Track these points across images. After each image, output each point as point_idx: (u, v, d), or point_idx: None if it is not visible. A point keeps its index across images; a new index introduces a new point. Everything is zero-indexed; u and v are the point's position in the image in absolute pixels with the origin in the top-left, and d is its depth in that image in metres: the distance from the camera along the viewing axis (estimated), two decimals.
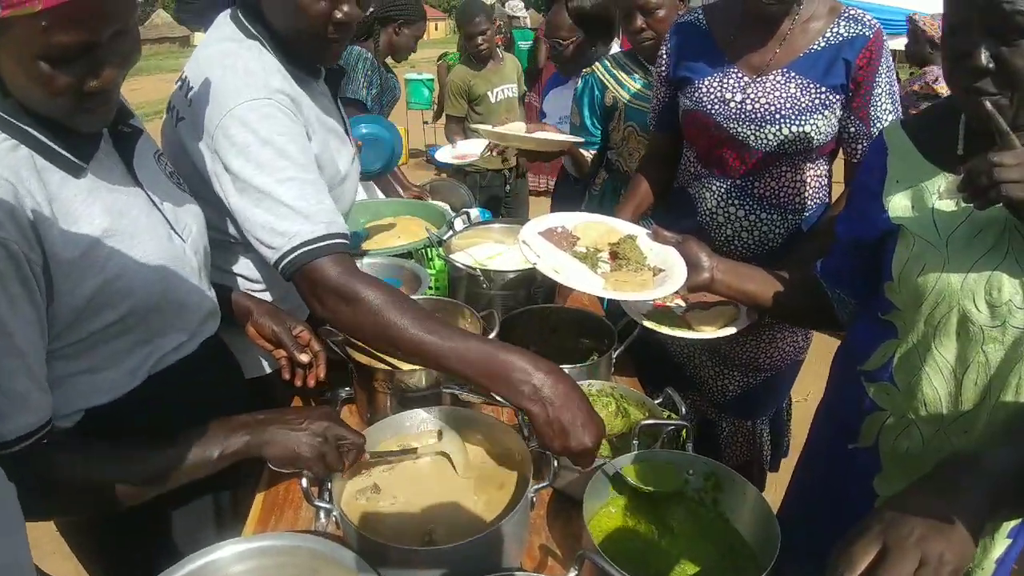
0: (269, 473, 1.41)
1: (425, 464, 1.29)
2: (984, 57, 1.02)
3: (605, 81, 2.35)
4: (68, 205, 1.01)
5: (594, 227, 1.54)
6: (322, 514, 1.13)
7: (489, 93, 4.24)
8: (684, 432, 1.32)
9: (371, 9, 3.31)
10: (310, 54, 1.39)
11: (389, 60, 3.54)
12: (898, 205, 1.22)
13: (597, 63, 2.39)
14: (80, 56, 0.92)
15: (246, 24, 1.35)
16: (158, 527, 1.23)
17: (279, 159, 1.24)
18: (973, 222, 1.13)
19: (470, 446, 1.30)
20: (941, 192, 1.13)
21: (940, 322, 1.16)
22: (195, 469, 1.08)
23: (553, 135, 2.34)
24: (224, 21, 1.38)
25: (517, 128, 2.47)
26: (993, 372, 1.14)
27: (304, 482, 1.11)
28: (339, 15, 1.30)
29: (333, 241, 1.22)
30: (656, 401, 1.45)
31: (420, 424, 1.31)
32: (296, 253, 1.20)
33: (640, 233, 1.52)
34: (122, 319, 1.08)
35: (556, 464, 1.16)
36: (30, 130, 0.98)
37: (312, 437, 1.12)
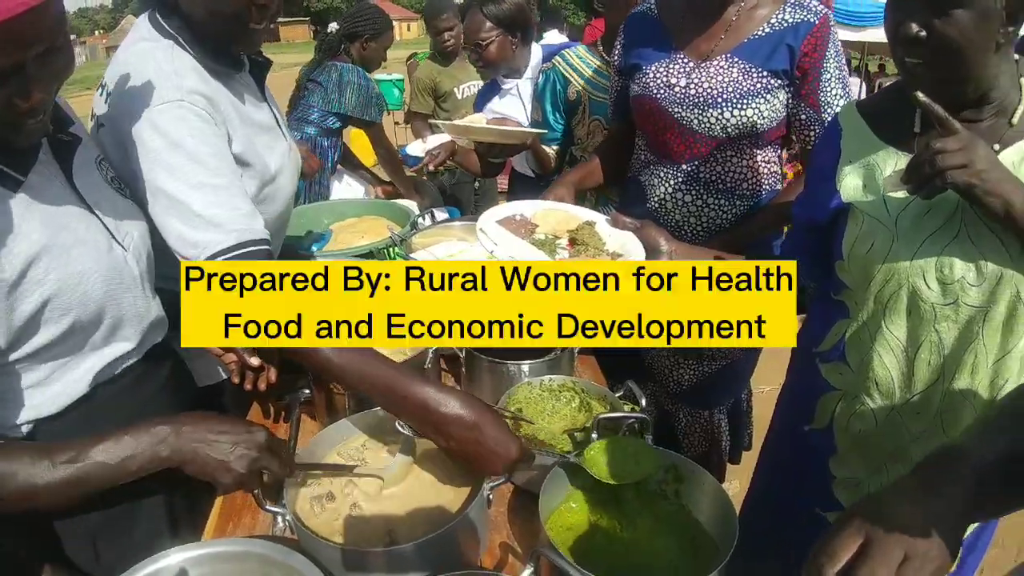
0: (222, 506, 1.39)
1: (373, 463, 1.27)
2: (914, 28, 1.05)
3: (568, 75, 2.34)
4: (6, 224, 0.99)
5: (553, 214, 1.54)
6: (279, 519, 1.11)
7: (456, 90, 4.22)
8: (643, 424, 1.32)
9: (336, 26, 3.32)
10: (231, 41, 1.35)
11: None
12: (849, 185, 1.23)
13: (558, 58, 2.39)
14: (6, 78, 0.90)
15: (162, 23, 1.32)
16: (113, 535, 1.20)
17: (190, 164, 1.21)
18: (921, 203, 1.15)
19: (428, 445, 1.29)
20: (886, 184, 1.14)
21: (890, 300, 1.18)
22: (103, 479, 1.00)
23: (514, 128, 2.32)
24: (141, 22, 1.35)
25: (478, 120, 2.46)
26: (947, 352, 1.16)
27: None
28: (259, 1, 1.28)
29: (246, 250, 1.21)
30: (617, 394, 1.45)
31: (377, 423, 1.30)
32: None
33: (599, 219, 1.52)
34: (64, 334, 1.06)
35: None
36: None
37: (235, 464, 1.05)
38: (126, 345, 1.19)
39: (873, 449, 1.27)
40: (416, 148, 3.08)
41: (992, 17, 1.03)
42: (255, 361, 1.31)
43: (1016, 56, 1.16)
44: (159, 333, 1.29)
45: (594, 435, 1.29)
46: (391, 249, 2.23)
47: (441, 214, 2.77)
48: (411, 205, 2.83)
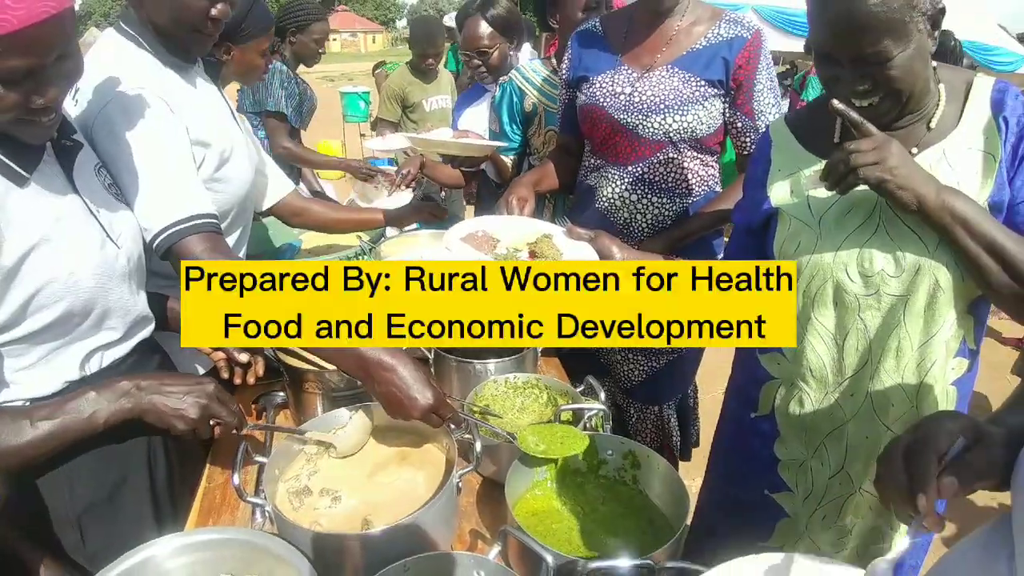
0: (208, 475, 1.44)
1: (357, 461, 1.34)
2: (861, 87, 1.14)
3: (524, 88, 2.43)
4: (10, 214, 1.08)
5: (513, 228, 1.62)
6: (258, 513, 1.17)
7: (424, 102, 4.28)
8: (603, 415, 1.41)
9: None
10: (187, 45, 1.52)
11: (303, 68, 3.58)
12: (778, 191, 1.33)
13: (515, 71, 2.48)
14: (26, 77, 1.00)
15: (125, 28, 1.48)
16: (97, 522, 1.25)
17: (148, 146, 1.36)
18: (845, 202, 1.25)
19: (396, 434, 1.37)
20: (805, 182, 1.24)
21: (817, 293, 1.28)
22: (78, 431, 1.11)
23: (474, 140, 2.41)
24: (108, 32, 1.51)
25: (443, 134, 2.54)
26: (872, 337, 1.26)
27: (236, 479, 1.15)
28: (214, 12, 1.46)
29: (199, 221, 1.36)
30: (578, 389, 1.54)
31: (350, 419, 1.36)
32: (165, 234, 1.33)
33: (556, 232, 1.60)
34: (56, 320, 1.14)
35: (478, 450, 1.23)
36: None
37: (188, 411, 1.16)
38: (112, 335, 1.26)
39: (812, 431, 1.37)
40: (376, 143, 3.12)
41: (922, 41, 1.12)
42: (244, 357, 1.38)
43: (934, 63, 1.27)
44: (145, 328, 1.36)
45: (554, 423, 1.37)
46: (359, 257, 2.30)
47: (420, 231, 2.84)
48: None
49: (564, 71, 2.03)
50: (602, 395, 1.47)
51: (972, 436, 0.85)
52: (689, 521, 1.19)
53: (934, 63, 1.25)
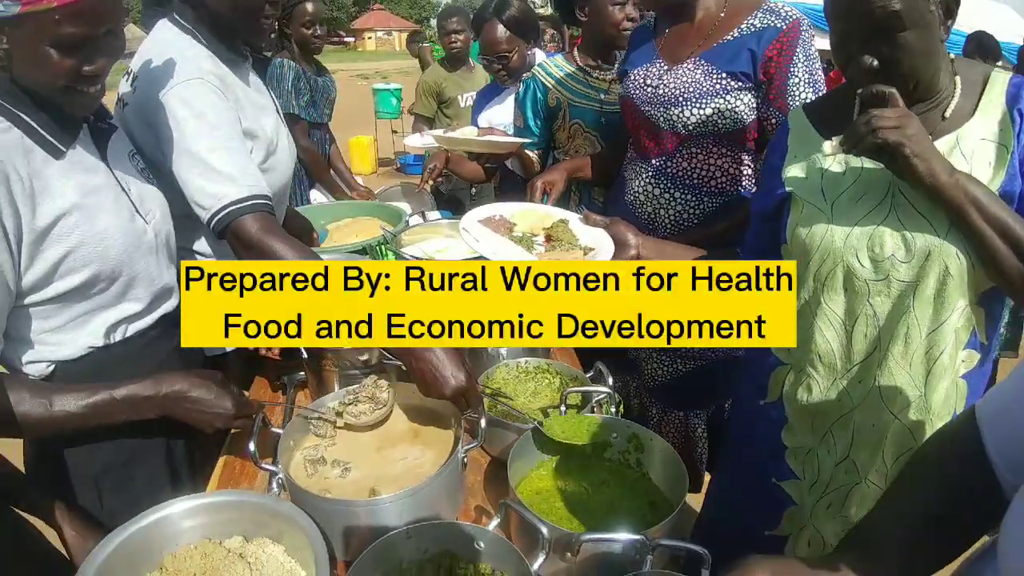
0: (228, 446, 1.51)
1: (370, 437, 1.39)
2: (868, 61, 1.15)
3: (547, 83, 2.46)
4: (47, 181, 1.17)
5: (530, 214, 1.65)
6: (274, 483, 1.23)
7: (459, 97, 4.32)
8: (609, 398, 1.43)
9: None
10: (246, 35, 1.60)
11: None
12: (792, 176, 1.34)
13: (538, 67, 2.51)
14: (81, 45, 1.12)
15: (181, 22, 1.54)
16: (115, 484, 1.33)
17: (210, 129, 1.43)
18: (858, 185, 1.26)
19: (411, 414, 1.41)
20: (824, 151, 1.24)
21: (827, 278, 1.29)
22: (96, 422, 1.19)
23: (500, 138, 2.46)
24: (162, 23, 1.56)
25: (468, 132, 2.59)
26: (881, 323, 1.26)
27: (251, 446, 1.21)
28: None
29: (256, 202, 1.43)
30: (588, 375, 1.57)
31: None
32: (223, 212, 1.40)
33: (572, 217, 1.63)
34: (84, 283, 1.23)
35: (483, 426, 1.27)
36: (23, 116, 1.17)
37: (209, 425, 1.27)
38: (137, 305, 1.34)
39: (819, 418, 1.38)
40: (415, 140, 3.18)
41: (933, 23, 1.14)
42: None
43: (952, 56, 1.28)
44: (171, 302, 1.44)
45: (562, 407, 1.41)
46: (383, 246, 2.36)
47: (433, 215, 2.89)
48: (404, 207, 2.95)
49: (619, 64, 2.09)
50: (610, 380, 1.50)
51: None
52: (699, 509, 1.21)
53: (952, 55, 1.27)
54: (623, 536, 1.04)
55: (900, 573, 0.83)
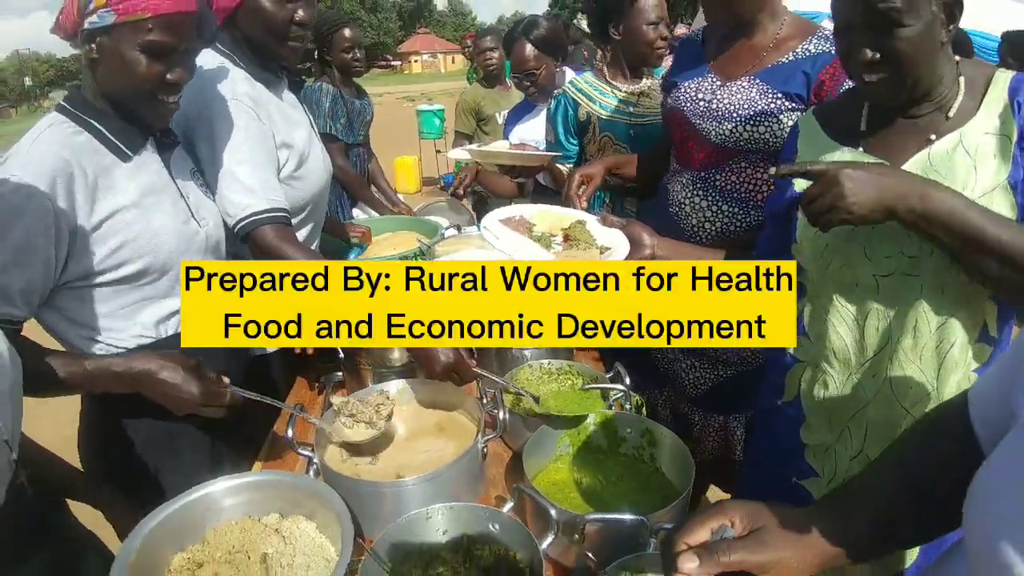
0: (271, 437, 1.62)
1: (398, 426, 1.49)
2: (868, 54, 1.20)
3: (577, 99, 2.56)
4: (113, 180, 1.34)
5: (548, 215, 1.73)
6: (311, 468, 1.33)
7: (497, 115, 4.46)
8: (625, 396, 1.50)
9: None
10: (280, 55, 1.75)
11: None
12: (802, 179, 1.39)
13: (568, 84, 2.61)
14: (167, 54, 1.31)
15: (221, 48, 1.71)
16: (156, 473, 1.46)
17: (239, 146, 1.61)
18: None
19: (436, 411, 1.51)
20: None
21: (835, 275, 1.33)
22: (79, 386, 1.28)
23: (531, 152, 2.56)
24: (205, 51, 1.72)
25: (501, 146, 2.70)
26: (891, 317, 1.30)
27: (289, 432, 1.31)
28: (298, 17, 1.70)
29: (274, 213, 1.60)
30: (608, 375, 1.64)
31: (395, 393, 1.52)
32: (246, 221, 1.57)
33: (589, 219, 1.70)
34: (136, 273, 1.37)
35: (502, 417, 1.35)
36: (94, 123, 1.34)
37: (179, 408, 1.28)
38: None
39: (835, 414, 1.41)
40: (457, 152, 3.30)
41: (934, 22, 1.18)
42: None
43: (957, 58, 1.31)
44: None
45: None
46: (418, 258, 2.47)
47: (470, 230, 3.00)
48: (443, 221, 3.07)
49: (664, 74, 2.14)
50: (627, 380, 1.56)
51: (748, 523, 0.84)
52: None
53: (957, 58, 1.30)
54: (626, 517, 1.10)
55: (869, 538, 0.84)
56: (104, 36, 1.28)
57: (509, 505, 1.18)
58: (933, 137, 1.27)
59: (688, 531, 0.84)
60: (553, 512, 1.12)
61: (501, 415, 1.36)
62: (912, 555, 1.35)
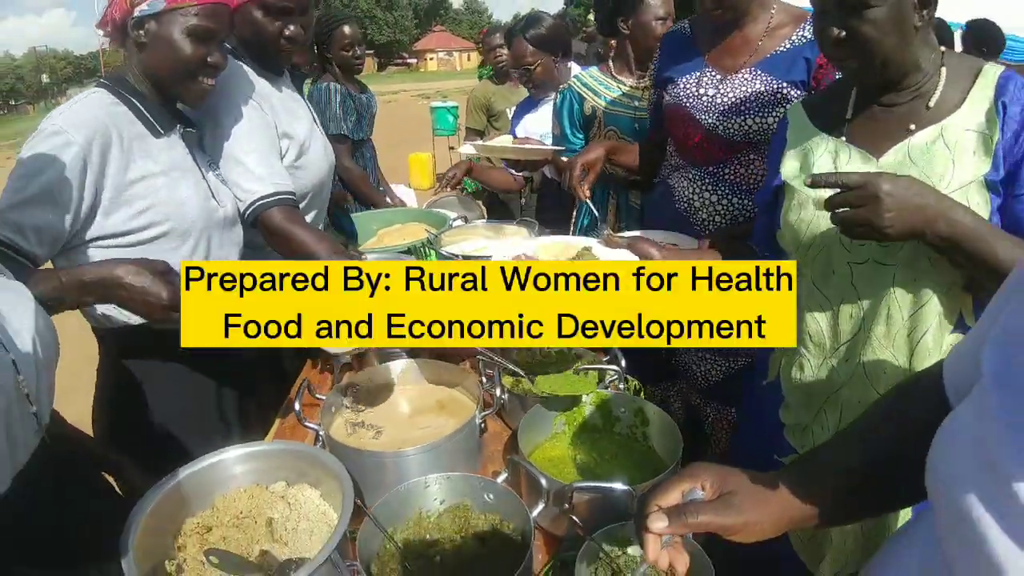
0: (282, 412, 1.70)
1: (402, 404, 1.55)
2: (835, 31, 1.25)
3: (583, 93, 2.61)
4: (145, 146, 1.47)
5: (552, 247, 1.73)
6: (318, 441, 1.40)
7: (508, 110, 4.52)
8: (619, 379, 1.56)
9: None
10: (271, 57, 1.88)
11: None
12: (788, 167, 1.43)
13: (574, 79, 2.67)
14: (210, 38, 1.48)
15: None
16: (172, 443, 1.53)
17: (246, 136, 1.72)
18: (845, 171, 1.31)
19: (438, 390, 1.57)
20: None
21: (814, 261, 1.37)
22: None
23: (536, 146, 2.62)
24: None
25: (505, 140, 2.76)
26: (866, 306, 1.34)
27: (297, 406, 1.38)
28: (288, 33, 1.82)
29: (280, 196, 1.71)
30: (605, 359, 1.69)
31: (400, 372, 1.58)
32: (254, 206, 1.68)
33: (592, 243, 1.71)
34: (162, 235, 1.50)
35: (498, 394, 1.41)
36: (132, 99, 1.49)
37: (146, 313, 1.31)
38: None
39: (811, 395, 1.46)
40: (468, 148, 3.36)
41: (904, 6, 1.21)
42: None
43: (943, 49, 1.33)
44: None
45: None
46: (426, 247, 2.54)
47: (478, 223, 3.06)
48: (450, 214, 3.13)
49: (653, 71, 2.14)
50: (623, 363, 1.62)
51: (718, 487, 0.87)
52: None
53: (942, 48, 1.33)
54: (612, 486, 1.16)
55: (835, 503, 0.87)
56: (152, 22, 1.44)
57: (503, 476, 1.24)
58: (913, 127, 1.30)
59: (660, 493, 0.87)
60: (543, 481, 1.17)
61: (498, 392, 1.41)
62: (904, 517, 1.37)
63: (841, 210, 1.17)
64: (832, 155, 1.38)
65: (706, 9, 1.82)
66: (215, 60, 1.49)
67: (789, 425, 1.52)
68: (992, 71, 1.30)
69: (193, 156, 1.60)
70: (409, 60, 67.87)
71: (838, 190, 1.17)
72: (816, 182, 1.19)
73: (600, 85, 2.58)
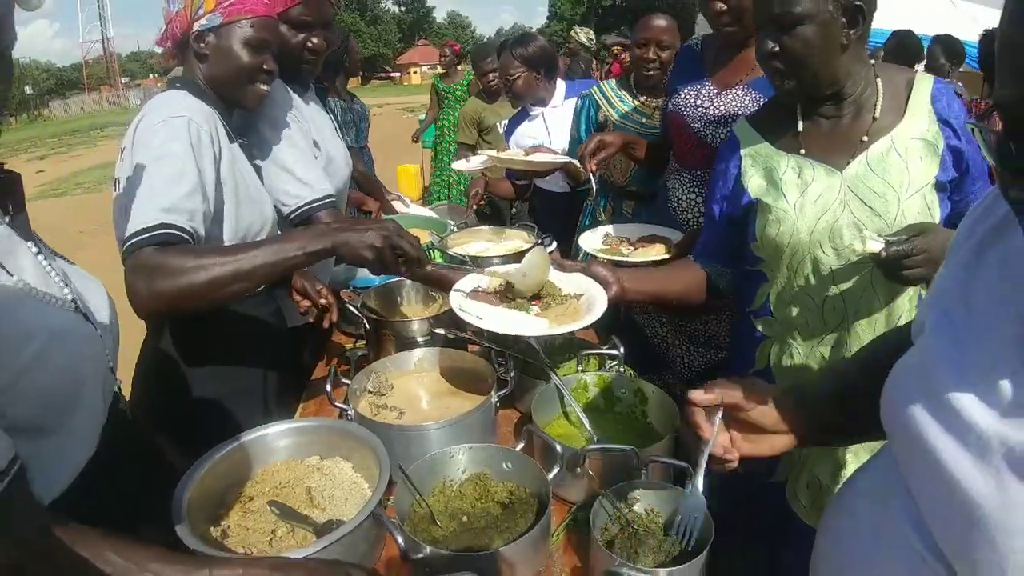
0: (306, 395, 1.84)
1: (420, 389, 1.69)
2: (769, 45, 1.41)
3: (600, 102, 2.82)
4: (227, 151, 1.60)
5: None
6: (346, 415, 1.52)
7: (498, 124, 4.68)
8: (619, 363, 1.70)
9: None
10: (299, 69, 2.03)
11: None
12: (755, 185, 1.57)
13: (595, 88, 2.89)
14: (265, 48, 1.64)
15: None
16: (217, 423, 1.64)
17: (291, 145, 1.90)
18: (813, 190, 1.48)
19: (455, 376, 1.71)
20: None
21: (798, 266, 1.52)
22: (288, 259, 1.36)
23: (545, 156, 2.80)
24: None
25: (516, 154, 2.94)
26: (848, 299, 1.49)
27: (328, 387, 1.51)
28: (311, 44, 1.98)
29: (326, 200, 1.91)
30: (605, 346, 1.83)
31: (416, 360, 1.71)
32: (303, 209, 1.88)
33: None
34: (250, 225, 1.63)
35: (511, 375, 1.55)
36: (210, 104, 1.59)
37: (375, 242, 1.37)
38: None
39: (801, 380, 1.60)
40: (461, 164, 3.51)
41: (831, 25, 1.36)
42: (323, 301, 1.74)
43: (872, 61, 1.49)
44: None
45: (579, 368, 1.68)
46: (431, 250, 2.68)
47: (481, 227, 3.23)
48: (449, 222, 3.28)
49: (667, 80, 2.36)
50: (621, 349, 1.76)
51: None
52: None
53: (873, 61, 1.49)
54: (621, 447, 1.30)
55: (824, 425, 1.02)
56: (212, 35, 1.59)
57: (520, 446, 1.37)
58: (865, 139, 1.44)
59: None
60: (558, 447, 1.31)
61: (511, 375, 1.56)
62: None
63: (908, 266, 1.29)
64: (796, 170, 1.51)
65: (721, 24, 1.97)
66: (270, 67, 1.65)
67: None
68: (925, 83, 1.46)
69: (251, 161, 1.73)
70: (393, 74, 68.17)
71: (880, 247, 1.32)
72: (890, 255, 1.30)
73: (616, 96, 2.79)
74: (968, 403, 0.64)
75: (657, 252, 2.06)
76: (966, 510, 0.62)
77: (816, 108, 1.48)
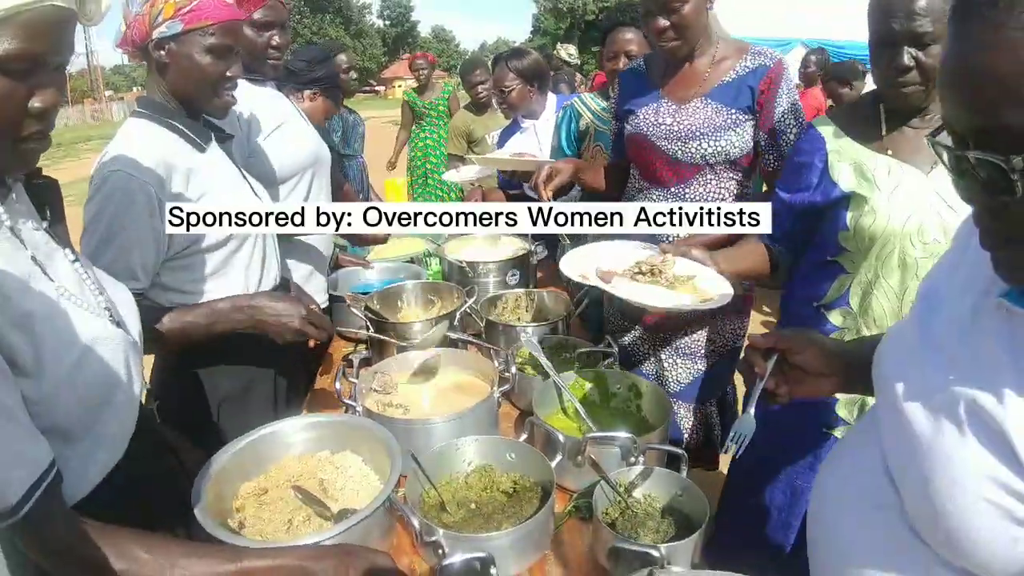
0: (314, 391, 1.89)
1: (423, 387, 1.75)
2: (907, 58, 1.49)
3: (581, 111, 2.92)
4: (199, 170, 1.61)
5: (618, 257, 1.80)
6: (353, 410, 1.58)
7: (487, 136, 4.78)
8: (606, 355, 1.79)
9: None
10: (265, 69, 2.19)
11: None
12: (846, 178, 1.65)
13: (576, 99, 2.99)
14: (228, 55, 1.58)
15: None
16: (232, 417, 1.71)
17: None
18: (904, 185, 1.58)
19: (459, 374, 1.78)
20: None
21: (886, 258, 1.60)
22: (199, 334, 1.51)
23: (530, 158, 2.89)
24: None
25: (502, 154, 3.03)
26: None
27: (338, 384, 1.57)
28: (274, 41, 2.15)
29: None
30: (600, 345, 1.91)
31: (419, 360, 1.79)
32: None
33: (655, 251, 1.81)
34: (229, 239, 1.65)
35: (512, 372, 1.62)
36: (171, 120, 1.59)
37: (285, 330, 1.55)
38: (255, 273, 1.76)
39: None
40: (452, 175, 3.60)
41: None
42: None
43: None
44: (272, 274, 1.84)
45: (576, 365, 1.76)
46: (428, 258, 2.76)
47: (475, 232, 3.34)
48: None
49: (613, 104, 2.39)
50: (615, 348, 1.84)
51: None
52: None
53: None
54: (620, 434, 1.37)
55: (862, 377, 1.06)
56: (172, 43, 1.52)
57: (523, 437, 1.44)
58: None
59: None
60: (560, 437, 1.38)
61: (512, 370, 1.63)
62: None
63: None
64: (886, 168, 1.61)
65: (666, 40, 2.03)
66: (235, 73, 1.59)
67: (843, 400, 1.72)
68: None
69: (232, 159, 1.76)
70: (377, 87, 68.35)
71: None
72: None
73: (597, 105, 2.90)
74: (925, 359, 0.79)
75: (690, 292, 1.80)
76: (913, 441, 0.77)
77: (905, 120, 1.59)
